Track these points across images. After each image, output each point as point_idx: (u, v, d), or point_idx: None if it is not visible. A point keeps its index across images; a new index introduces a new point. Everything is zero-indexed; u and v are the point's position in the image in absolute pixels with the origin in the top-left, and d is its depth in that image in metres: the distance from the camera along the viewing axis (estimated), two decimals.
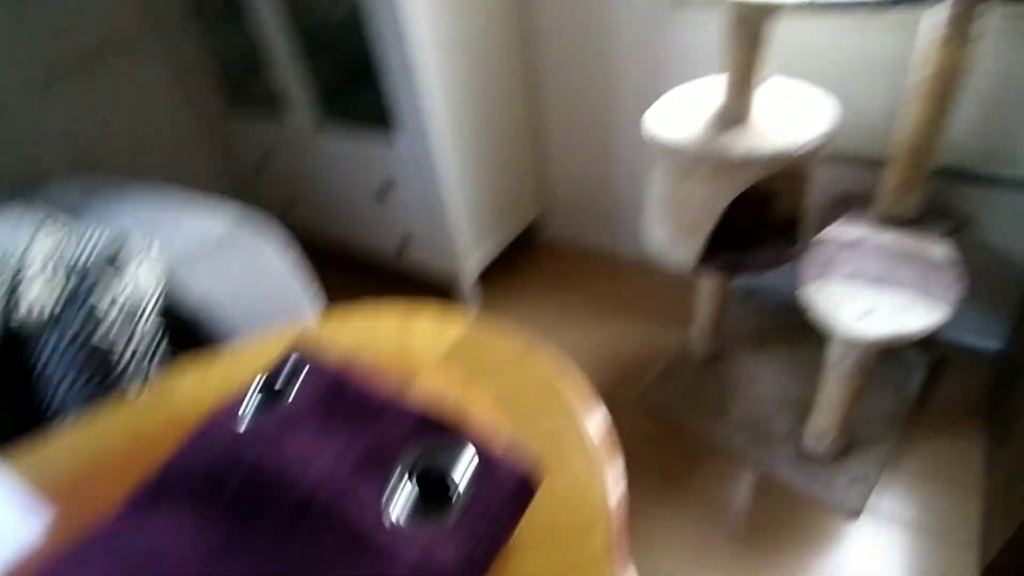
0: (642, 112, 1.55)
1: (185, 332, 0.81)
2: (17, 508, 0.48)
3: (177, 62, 1.77)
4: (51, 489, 0.49)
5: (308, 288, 0.93)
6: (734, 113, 1.08)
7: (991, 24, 1.08)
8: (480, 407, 0.50)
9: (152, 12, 1.68)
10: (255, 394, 0.47)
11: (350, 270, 1.97)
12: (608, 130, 1.65)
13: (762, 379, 1.41)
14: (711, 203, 1.06)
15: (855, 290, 1.05)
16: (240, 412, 0.45)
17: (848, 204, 1.31)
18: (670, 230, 1.16)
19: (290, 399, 0.45)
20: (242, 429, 0.44)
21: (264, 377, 0.49)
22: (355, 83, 1.58)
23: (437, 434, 0.41)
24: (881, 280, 1.06)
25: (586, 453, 0.45)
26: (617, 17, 1.44)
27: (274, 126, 1.70)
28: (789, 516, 1.15)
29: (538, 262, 1.91)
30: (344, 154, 1.59)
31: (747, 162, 0.99)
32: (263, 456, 0.41)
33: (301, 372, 0.48)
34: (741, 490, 1.21)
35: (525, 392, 0.51)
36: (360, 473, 0.39)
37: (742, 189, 1.03)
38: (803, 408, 1.32)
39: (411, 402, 0.43)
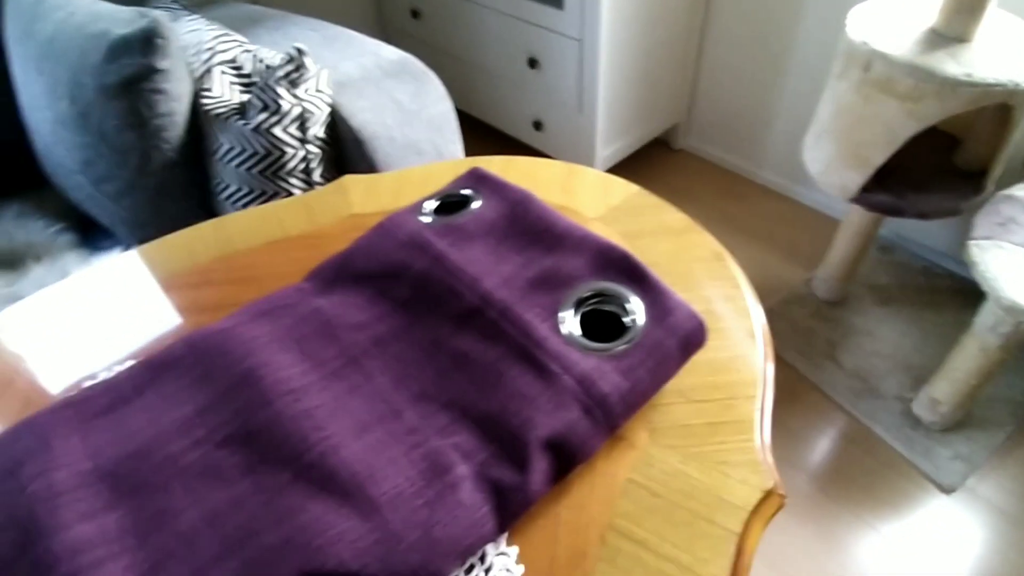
0: (830, 22, 1.38)
1: (345, 156, 0.84)
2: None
3: None
4: (232, 262, 0.54)
5: (459, 140, 0.93)
6: (955, 31, 0.94)
7: None
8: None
9: None
10: (435, 204, 0.49)
11: (485, 137, 1.96)
12: (781, 40, 1.49)
13: (882, 335, 1.32)
14: (898, 128, 0.95)
15: None
16: (421, 216, 0.47)
17: None
18: (838, 152, 1.06)
19: (471, 213, 0.47)
20: (424, 229, 0.45)
21: (445, 191, 0.50)
22: None
23: (614, 271, 0.41)
24: None
25: (746, 326, 0.44)
26: None
27: None
28: (876, 474, 1.12)
29: (669, 169, 1.83)
30: (501, 20, 1.53)
31: (960, 85, 0.87)
32: (442, 256, 0.43)
33: (481, 190, 0.48)
34: (833, 436, 1.18)
35: (685, 263, 0.50)
36: (535, 291, 0.40)
37: (941, 118, 0.91)
38: (919, 373, 1.24)
39: (592, 236, 0.43)
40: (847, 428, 1.18)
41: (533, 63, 1.51)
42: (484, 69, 1.69)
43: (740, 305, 0.46)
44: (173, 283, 0.51)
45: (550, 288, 0.40)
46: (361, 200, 0.58)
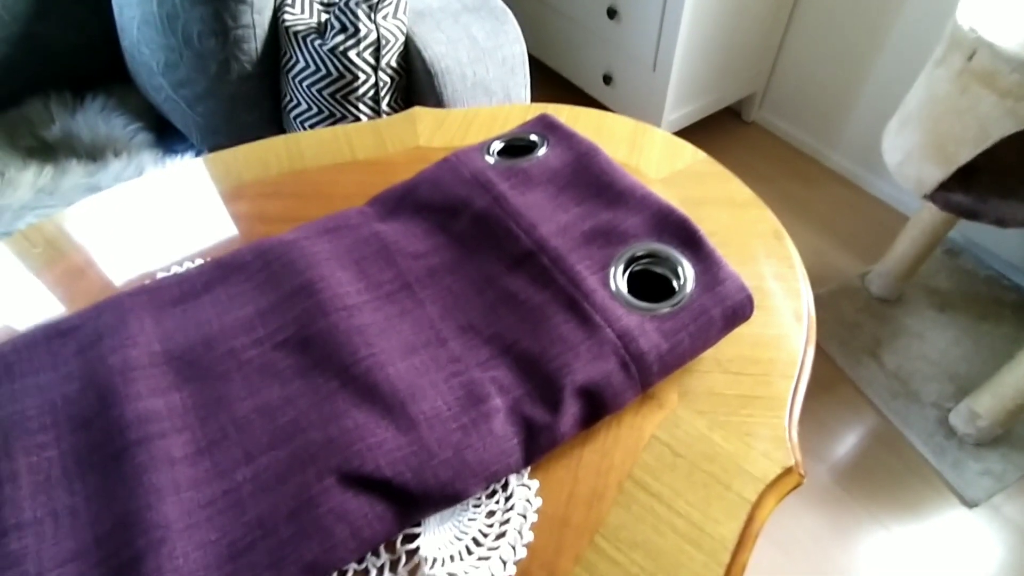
0: (934, 6, 1.29)
1: (416, 87, 0.84)
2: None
3: None
4: (301, 178, 0.56)
5: (528, 84, 0.92)
6: None
7: None
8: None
9: None
10: (501, 146, 0.49)
11: (552, 86, 1.93)
12: (882, 14, 1.40)
13: (931, 340, 1.28)
14: (992, 126, 0.90)
15: None
16: (486, 156, 0.48)
17: None
18: (922, 143, 1.01)
19: (536, 159, 0.47)
20: (488, 169, 0.46)
21: (512, 133, 0.50)
22: None
23: (670, 234, 0.41)
24: None
25: (794, 307, 0.44)
26: None
27: None
28: (899, 477, 1.11)
29: (737, 141, 1.77)
30: None
31: None
32: (503, 197, 0.44)
33: (549, 137, 0.49)
34: (862, 433, 1.16)
35: (742, 237, 0.50)
36: (588, 244, 0.41)
37: None
38: (963, 384, 1.21)
39: (654, 196, 0.43)
40: (877, 427, 1.17)
41: (612, 13, 1.46)
42: (562, 14, 1.64)
43: (792, 286, 0.46)
44: (244, 192, 0.54)
45: (604, 243, 0.41)
46: (429, 133, 0.59)
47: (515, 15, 1.81)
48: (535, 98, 1.86)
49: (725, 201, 0.53)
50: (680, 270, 0.40)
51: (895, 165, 1.07)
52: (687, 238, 0.40)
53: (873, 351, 1.27)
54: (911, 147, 1.03)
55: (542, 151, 0.47)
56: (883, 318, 1.32)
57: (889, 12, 1.38)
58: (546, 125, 0.49)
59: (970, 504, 1.08)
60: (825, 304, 1.35)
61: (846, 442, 1.15)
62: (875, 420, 1.18)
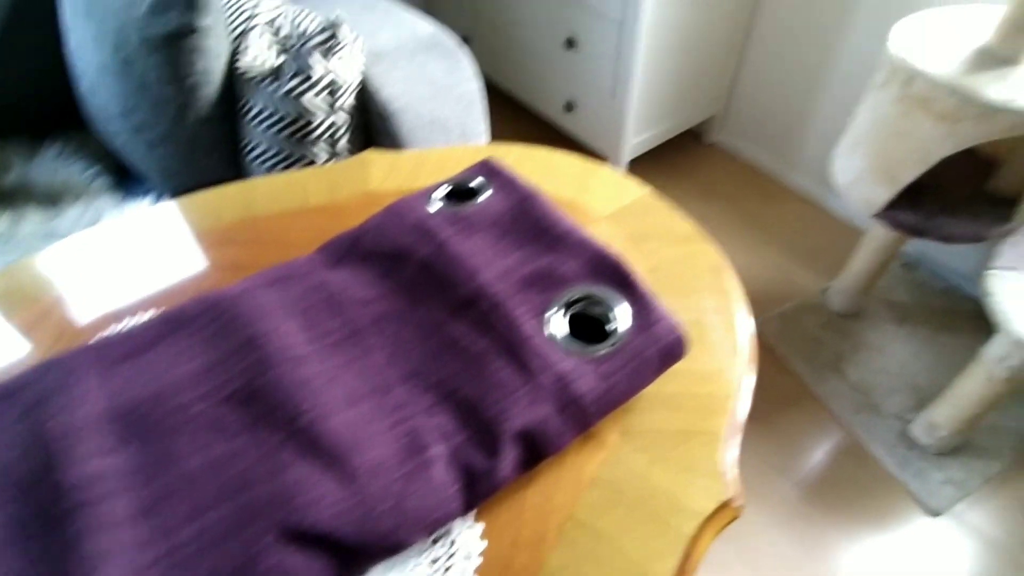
0: (877, 31, 1.35)
1: (372, 128, 0.86)
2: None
3: None
4: (254, 225, 0.56)
5: (486, 119, 0.95)
6: (1007, 52, 0.92)
7: None
8: (639, 270, 0.51)
9: None
10: (446, 191, 0.51)
11: (515, 114, 1.96)
12: (827, 43, 1.46)
13: (892, 353, 1.32)
14: (933, 148, 0.94)
15: None
16: (430, 203, 0.49)
17: None
18: (869, 165, 1.05)
19: (478, 204, 0.48)
20: (432, 217, 0.47)
21: (456, 179, 0.52)
22: None
23: (606, 277, 0.42)
24: None
25: (731, 341, 0.46)
26: None
27: None
28: (864, 489, 1.13)
29: (698, 163, 1.81)
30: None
31: (1001, 111, 0.86)
32: (445, 245, 0.45)
33: (491, 182, 0.50)
34: (827, 447, 1.19)
35: (684, 271, 0.51)
36: (527, 289, 0.42)
37: (979, 142, 0.90)
38: (923, 395, 1.24)
39: (590, 240, 0.44)
40: (842, 441, 1.19)
41: (571, 43, 1.50)
42: (521, 44, 1.68)
43: (730, 320, 0.48)
44: (198, 239, 0.54)
45: (543, 287, 0.42)
46: (381, 176, 0.60)
47: (477, 47, 1.85)
48: (497, 128, 1.89)
49: (669, 236, 0.55)
50: (616, 312, 0.41)
51: (845, 186, 1.11)
52: (622, 280, 0.42)
53: (836, 365, 1.30)
54: (859, 169, 1.07)
55: (484, 196, 0.49)
56: (844, 333, 1.36)
57: (838, 35, 1.43)
58: (489, 170, 0.51)
59: (934, 513, 1.10)
60: (788, 321, 1.38)
61: (812, 457, 1.17)
62: (840, 434, 1.20)
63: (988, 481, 1.13)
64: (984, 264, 1.37)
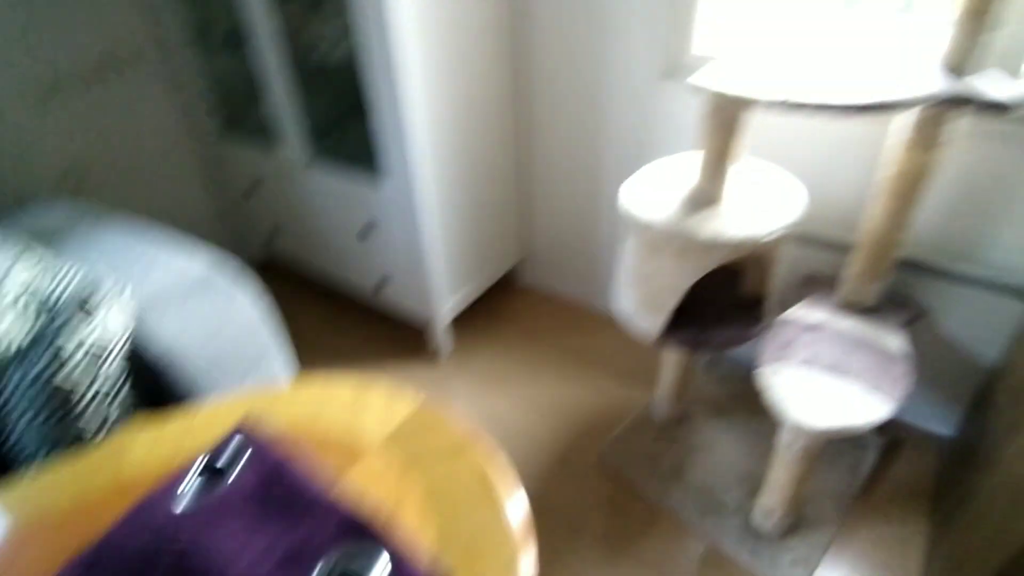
0: (626, 176, 1.59)
1: (149, 377, 0.82)
2: None
3: (176, 84, 1.80)
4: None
5: (278, 338, 0.95)
6: (706, 195, 1.12)
7: (957, 131, 1.13)
8: (412, 500, 0.52)
9: (155, 34, 1.71)
10: (196, 473, 0.49)
11: (329, 302, 1.99)
12: (592, 189, 1.69)
13: (719, 448, 1.43)
14: (677, 281, 1.10)
15: (809, 377, 1.08)
16: (180, 491, 0.47)
17: (814, 285, 1.35)
18: (637, 301, 1.19)
19: (229, 481, 0.47)
20: (179, 510, 0.45)
21: (207, 457, 0.50)
22: (347, 123, 1.62)
23: (360, 537, 0.43)
24: (835, 368, 1.09)
25: (505, 553, 0.47)
26: (609, 81, 1.49)
27: (266, 156, 1.72)
28: None
29: (515, 307, 1.94)
30: (331, 191, 1.62)
31: (714, 246, 1.03)
32: (195, 543, 0.43)
33: (243, 454, 0.50)
34: (688, 562, 1.22)
35: (457, 486, 0.53)
36: (284, 568, 0.41)
37: (708, 270, 1.06)
38: (755, 482, 1.35)
39: (341, 500, 0.45)
40: (700, 550, 1.24)
41: (367, 229, 1.59)
42: (319, 237, 1.75)
43: (499, 535, 0.49)
44: None
45: (300, 563, 0.42)
46: (141, 456, 0.57)
47: (284, 239, 1.89)
48: (313, 317, 1.90)
49: (441, 452, 0.57)
50: (375, 566, 0.41)
51: (627, 317, 1.24)
52: (375, 535, 0.42)
53: (677, 474, 1.38)
54: (633, 302, 1.21)
55: (237, 470, 0.48)
56: (676, 440, 1.46)
57: (596, 178, 1.67)
58: (244, 436, 0.50)
59: None
60: (625, 443, 1.46)
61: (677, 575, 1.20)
62: (696, 543, 1.25)
63: (828, 549, 1.23)
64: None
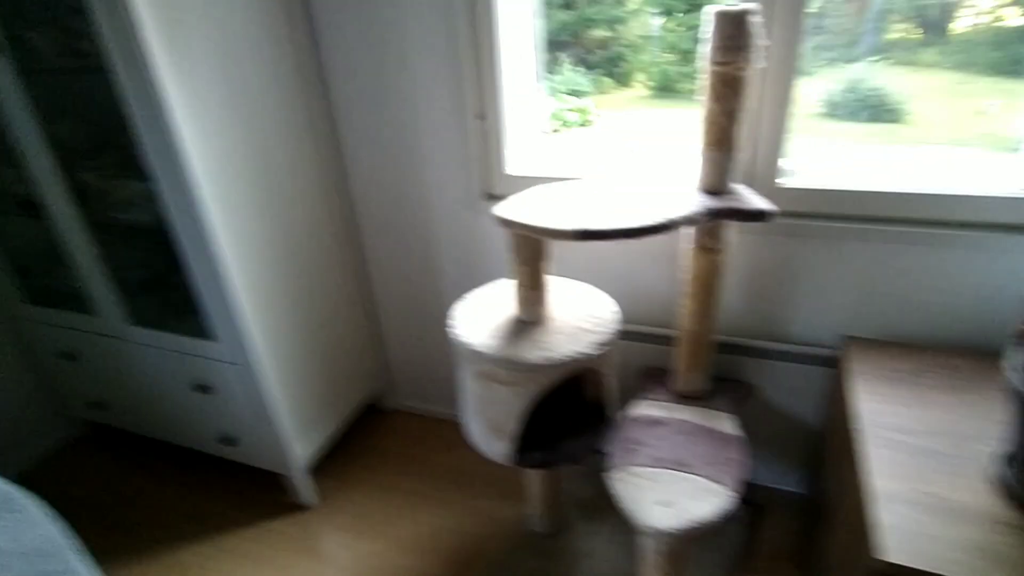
0: (461, 295, 1.62)
1: None
2: None
3: None
4: None
5: (76, 555, 0.83)
6: (527, 319, 1.16)
7: (734, 235, 1.27)
8: None
9: None
10: None
11: (175, 462, 1.80)
12: (436, 309, 1.70)
13: (599, 552, 1.42)
14: (514, 405, 1.10)
15: (655, 477, 1.11)
16: None
17: (653, 377, 1.42)
18: (484, 426, 1.19)
19: None
20: None
21: None
22: (168, 284, 1.53)
23: None
24: (678, 463, 1.13)
25: None
26: (432, 206, 1.54)
27: (81, 322, 1.58)
28: None
29: (383, 435, 1.86)
30: (156, 354, 1.50)
31: (543, 367, 1.05)
32: None
33: None
34: None
35: None
36: None
37: (541, 393, 1.08)
38: None
39: None
40: None
41: (202, 389, 1.48)
42: (153, 399, 1.61)
43: None
44: None
45: None
46: None
47: (114, 410, 1.71)
48: (155, 483, 1.71)
49: None
50: None
51: (479, 444, 1.23)
52: None
53: None
54: (482, 431, 1.20)
55: None
56: (557, 551, 1.43)
57: (439, 310, 1.68)
58: None
59: None
60: (504, 568, 1.40)
61: None
62: None
63: None
64: None
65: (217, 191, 1.21)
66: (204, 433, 1.60)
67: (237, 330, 1.32)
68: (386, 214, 1.60)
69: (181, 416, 1.61)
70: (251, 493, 1.67)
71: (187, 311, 1.40)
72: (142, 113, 1.10)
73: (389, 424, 1.91)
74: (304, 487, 1.58)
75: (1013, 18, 1.14)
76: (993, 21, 1.16)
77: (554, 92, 1.57)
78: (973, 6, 1.17)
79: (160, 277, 1.59)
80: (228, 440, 1.56)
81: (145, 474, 1.77)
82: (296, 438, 1.52)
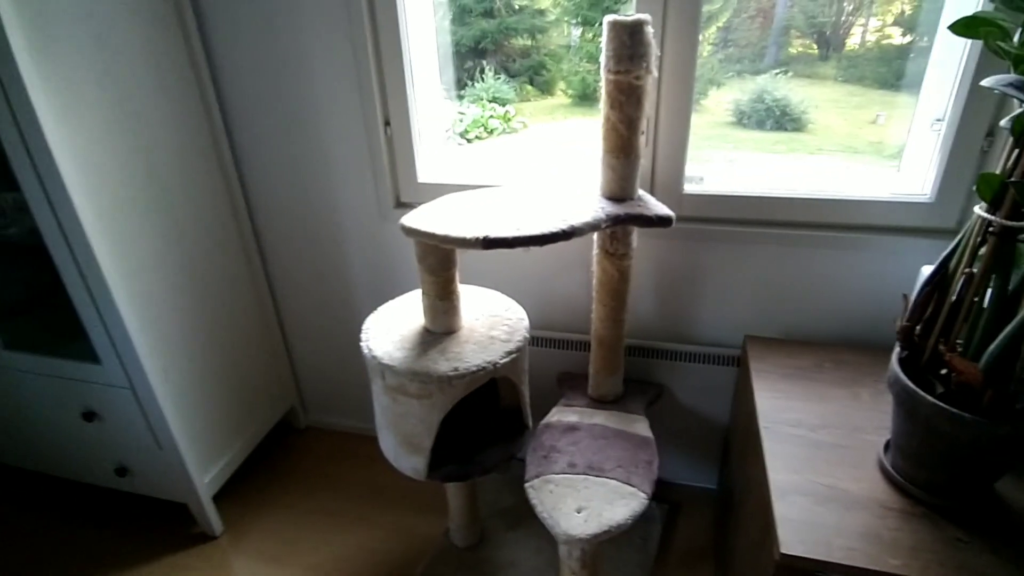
0: (374, 307, 1.58)
1: None
2: None
3: None
4: None
5: None
6: (437, 329, 1.13)
7: (641, 241, 1.29)
8: None
9: None
10: None
11: (67, 497, 1.65)
12: (348, 322, 1.65)
13: (523, 562, 1.41)
14: (427, 418, 1.07)
15: (569, 484, 1.11)
16: None
17: (569, 382, 1.43)
18: (397, 442, 1.15)
19: None
20: None
21: None
22: (47, 304, 1.40)
23: None
24: (592, 469, 1.14)
25: None
26: (341, 217, 1.49)
27: None
28: None
29: (296, 454, 1.78)
30: (36, 381, 1.37)
31: (454, 379, 1.03)
32: None
33: None
34: None
35: None
36: None
37: (452, 404, 1.06)
38: None
39: None
40: None
41: (90, 416, 1.36)
42: (38, 430, 1.47)
43: None
44: None
45: None
46: None
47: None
48: (46, 521, 1.56)
49: None
50: None
51: (393, 461, 1.19)
52: None
53: None
54: (394, 446, 1.16)
55: None
56: (479, 563, 1.40)
57: (351, 322, 1.63)
58: None
59: None
60: None
61: None
62: None
63: None
64: None
65: (96, 203, 1.11)
66: (97, 465, 1.47)
67: (123, 351, 1.22)
68: (291, 225, 1.54)
69: (70, 447, 1.48)
70: (152, 526, 1.55)
71: (70, 333, 1.29)
72: (2, 117, 1.00)
73: (302, 442, 1.83)
74: (210, 516, 1.48)
75: (897, 37, 1.22)
76: (880, 39, 1.25)
77: (477, 99, 1.56)
78: (862, 25, 1.25)
79: (38, 297, 1.45)
80: (123, 471, 1.45)
81: (33, 513, 1.61)
82: (198, 464, 1.42)
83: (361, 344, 1.12)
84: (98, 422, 1.37)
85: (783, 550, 0.80)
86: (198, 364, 1.41)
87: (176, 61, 1.28)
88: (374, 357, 1.08)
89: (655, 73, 1.02)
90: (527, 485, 1.13)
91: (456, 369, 1.03)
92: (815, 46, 1.29)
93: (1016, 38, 0.73)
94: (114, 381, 1.28)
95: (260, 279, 1.60)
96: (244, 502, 1.60)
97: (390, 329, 1.16)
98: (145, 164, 1.22)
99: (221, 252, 1.46)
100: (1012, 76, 0.65)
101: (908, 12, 1.21)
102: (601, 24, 0.98)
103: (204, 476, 1.45)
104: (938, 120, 1.11)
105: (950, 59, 1.06)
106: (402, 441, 1.13)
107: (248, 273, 1.56)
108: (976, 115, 1.04)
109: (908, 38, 1.21)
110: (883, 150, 1.30)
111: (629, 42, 0.94)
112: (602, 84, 1.01)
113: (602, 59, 0.99)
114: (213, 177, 1.41)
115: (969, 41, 1.01)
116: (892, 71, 1.25)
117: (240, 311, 1.54)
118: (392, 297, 1.55)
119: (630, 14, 0.95)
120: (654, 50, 0.97)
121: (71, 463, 1.51)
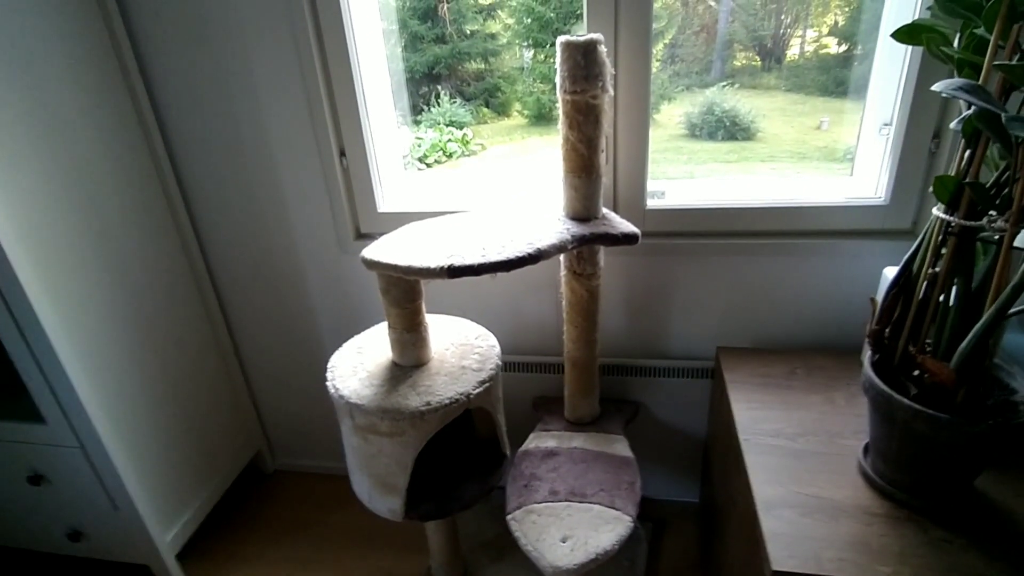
0: (340, 343, 1.53)
1: None
2: None
3: None
4: None
5: None
6: (405, 363, 1.10)
7: (608, 259, 1.29)
8: None
9: None
10: None
11: (14, 570, 1.53)
12: (313, 360, 1.59)
13: None
14: (400, 457, 1.03)
15: (552, 512, 1.08)
16: None
17: (545, 406, 1.40)
18: (371, 483, 1.10)
19: None
20: None
21: None
22: None
23: None
24: (574, 495, 1.11)
25: None
26: (301, 250, 1.44)
27: None
28: None
29: (267, 500, 1.70)
30: None
31: (426, 413, 0.99)
32: None
33: None
34: None
35: None
36: None
37: (426, 440, 1.02)
38: None
39: None
40: None
41: (37, 479, 1.27)
42: None
43: None
44: None
45: None
46: None
47: None
48: None
49: None
50: None
51: (368, 503, 1.13)
52: None
53: None
54: (368, 488, 1.11)
55: None
56: None
57: (316, 360, 1.57)
58: None
59: None
60: None
61: None
62: None
63: None
64: None
65: (31, 251, 1.05)
66: (47, 531, 1.37)
67: (69, 408, 1.14)
68: (246, 263, 1.48)
69: (16, 513, 1.37)
70: None
71: (9, 391, 1.21)
72: None
73: (271, 487, 1.75)
74: (172, 571, 1.39)
75: (833, 47, 1.26)
76: (818, 49, 1.28)
77: (434, 124, 1.54)
78: (800, 36, 1.29)
79: None
80: (77, 535, 1.35)
81: None
82: (158, 522, 1.34)
83: (327, 383, 1.08)
84: (46, 485, 1.28)
85: (775, 567, 0.78)
86: (154, 416, 1.33)
87: (113, 97, 1.22)
88: (341, 397, 1.03)
89: (611, 92, 1.01)
90: (509, 518, 1.09)
91: (428, 403, 1.00)
92: (758, 58, 1.32)
93: (957, 43, 0.75)
94: (61, 440, 1.19)
95: (218, 321, 1.54)
96: (211, 557, 1.52)
97: (357, 366, 1.12)
98: (85, 208, 1.16)
99: (172, 295, 1.39)
100: (961, 80, 0.66)
101: (841, 23, 1.25)
102: (553, 45, 0.97)
103: (166, 534, 1.36)
104: (886, 125, 1.14)
105: (893, 66, 1.09)
106: (376, 482, 1.08)
107: (204, 315, 1.50)
108: (922, 118, 1.07)
109: (844, 47, 1.25)
110: (831, 154, 1.33)
111: (583, 62, 0.93)
112: (559, 105, 1.00)
113: (558, 80, 0.98)
114: (159, 216, 1.35)
115: (910, 47, 1.04)
116: (831, 79, 1.29)
117: (197, 356, 1.47)
118: (357, 332, 1.51)
119: (582, 34, 0.95)
120: (609, 69, 0.97)
121: (18, 531, 1.40)
